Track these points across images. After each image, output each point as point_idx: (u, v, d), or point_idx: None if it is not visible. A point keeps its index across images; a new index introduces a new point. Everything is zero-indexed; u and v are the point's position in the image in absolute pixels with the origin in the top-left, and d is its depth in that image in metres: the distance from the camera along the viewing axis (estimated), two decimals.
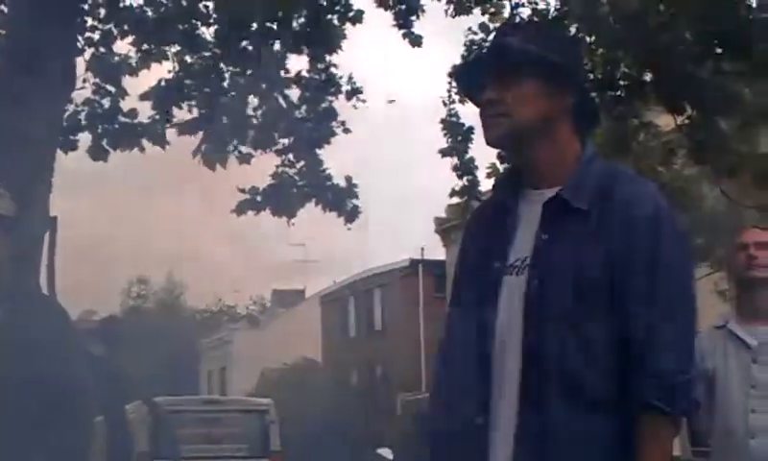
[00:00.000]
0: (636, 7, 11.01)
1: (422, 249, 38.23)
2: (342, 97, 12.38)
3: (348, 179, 12.48)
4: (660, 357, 2.52)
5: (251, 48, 11.81)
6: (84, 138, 11.39)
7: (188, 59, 11.90)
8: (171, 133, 11.78)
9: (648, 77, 11.72)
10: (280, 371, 37.68)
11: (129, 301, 56.15)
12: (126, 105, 11.57)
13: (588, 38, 11.97)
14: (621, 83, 12.19)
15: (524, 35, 2.81)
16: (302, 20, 11.81)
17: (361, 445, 28.82)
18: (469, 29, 12.61)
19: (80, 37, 10.70)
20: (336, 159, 13.19)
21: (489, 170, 13.60)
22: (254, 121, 12.08)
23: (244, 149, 12.15)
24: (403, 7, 12.12)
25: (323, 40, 11.94)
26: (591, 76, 12.21)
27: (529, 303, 2.61)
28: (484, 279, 2.70)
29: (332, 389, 35.13)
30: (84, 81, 11.09)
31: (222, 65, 11.98)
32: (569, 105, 2.72)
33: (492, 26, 12.56)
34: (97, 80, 11.38)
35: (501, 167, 14.14)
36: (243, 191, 12.28)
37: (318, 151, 12.45)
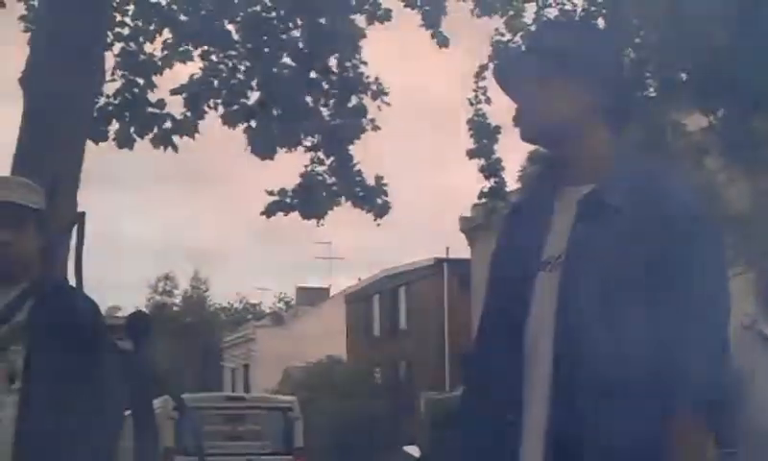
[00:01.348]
0: (664, 7, 10.96)
1: (447, 248, 38.21)
2: (368, 96, 12.40)
3: (378, 177, 12.49)
4: (693, 358, 2.50)
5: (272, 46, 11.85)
6: (113, 129, 11.44)
7: (214, 57, 11.94)
8: (201, 129, 11.84)
9: (682, 76, 11.66)
10: (304, 369, 37.74)
11: (155, 296, 56.35)
12: (153, 96, 11.62)
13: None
14: (650, 82, 12.15)
15: (559, 32, 2.82)
16: (326, 19, 11.82)
17: (385, 443, 28.82)
18: (496, 29, 12.62)
19: (109, 32, 10.76)
20: (361, 158, 13.20)
21: (520, 173, 13.60)
22: (280, 119, 12.10)
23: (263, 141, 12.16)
24: (429, 8, 12.13)
25: (348, 39, 11.96)
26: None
27: (562, 301, 2.60)
28: (518, 276, 2.69)
29: (356, 387, 35.13)
30: (113, 74, 11.16)
31: (247, 63, 12.01)
32: (603, 102, 2.71)
33: (518, 26, 12.55)
34: (126, 73, 11.44)
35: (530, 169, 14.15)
36: (271, 193, 12.29)
37: (348, 149, 12.47)
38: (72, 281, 5.32)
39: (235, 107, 11.92)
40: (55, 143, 8.15)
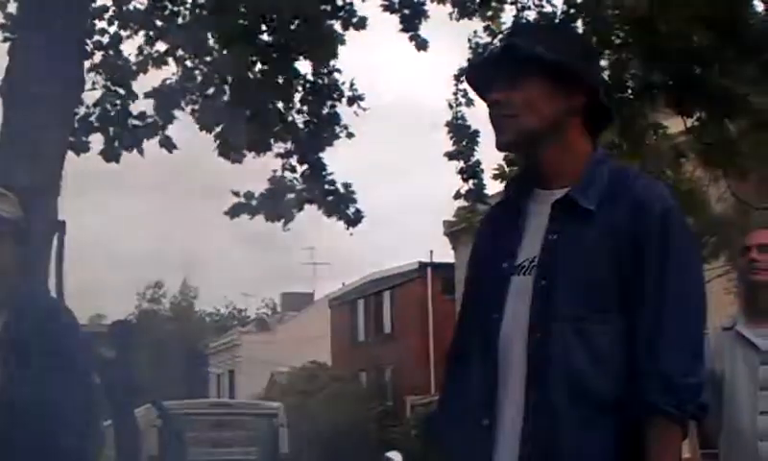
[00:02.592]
0: (643, 9, 11.00)
1: (431, 252, 38.22)
2: (344, 102, 12.41)
3: (347, 185, 12.50)
4: (668, 358, 2.50)
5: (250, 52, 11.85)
6: (96, 140, 11.46)
7: (188, 63, 11.95)
8: (179, 136, 11.86)
9: (656, 78, 11.69)
10: (289, 374, 37.69)
11: (144, 303, 56.33)
12: (135, 107, 11.65)
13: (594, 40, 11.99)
14: (629, 85, 12.18)
15: (533, 35, 2.81)
16: (301, 25, 11.82)
17: (370, 448, 28.80)
18: (475, 32, 12.64)
19: (88, 40, 10.75)
20: (345, 163, 13.21)
21: (496, 172, 13.59)
22: (252, 124, 12.12)
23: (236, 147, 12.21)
24: (408, 11, 12.14)
25: (323, 45, 11.98)
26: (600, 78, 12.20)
27: (535, 304, 2.60)
28: (492, 280, 2.69)
29: (341, 392, 35.10)
30: (94, 83, 11.17)
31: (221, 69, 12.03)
32: (579, 105, 2.71)
33: (497, 29, 12.58)
34: (107, 83, 11.44)
35: (508, 169, 14.16)
36: (237, 194, 12.36)
37: (322, 155, 12.50)
38: (53, 290, 5.30)
39: (206, 112, 11.94)
40: (33, 152, 8.12)
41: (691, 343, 2.56)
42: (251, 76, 11.99)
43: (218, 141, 11.98)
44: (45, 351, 3.46)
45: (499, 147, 2.77)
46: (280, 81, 12.15)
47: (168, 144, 11.77)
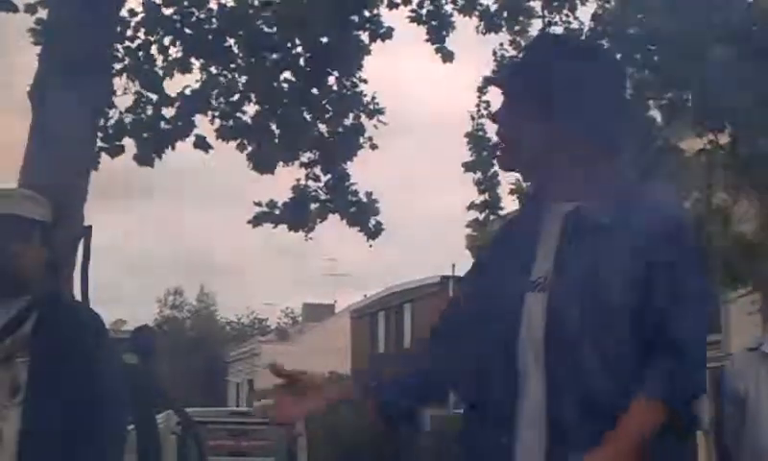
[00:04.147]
0: (669, 28, 10.97)
1: (453, 265, 38.15)
2: (367, 113, 12.45)
3: (369, 194, 12.52)
4: (667, 352, 2.49)
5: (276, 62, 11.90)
6: (128, 144, 11.50)
7: (213, 70, 12.01)
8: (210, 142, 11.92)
9: (683, 98, 11.67)
10: None
11: (165, 310, 56.50)
12: (168, 112, 11.70)
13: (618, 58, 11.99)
14: (651, 103, 12.17)
15: (537, 56, 2.80)
16: (330, 35, 11.86)
17: (389, 459, 28.74)
18: (501, 45, 12.65)
19: (119, 45, 10.81)
20: (368, 175, 13.23)
21: (512, 186, 13.59)
22: (279, 135, 12.19)
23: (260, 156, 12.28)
24: (435, 23, 12.18)
25: (350, 56, 12.01)
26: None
27: (550, 322, 2.57)
28: (507, 297, 2.66)
29: (360, 403, 35.07)
30: (125, 89, 11.24)
31: (246, 78, 12.08)
32: (584, 128, 2.67)
33: (523, 42, 12.58)
34: (139, 89, 11.51)
35: (525, 185, 14.15)
36: (259, 204, 12.40)
37: (345, 166, 12.53)
38: (78, 295, 5.33)
39: (230, 122, 12.02)
40: (62, 156, 8.17)
41: (698, 344, 2.56)
42: (276, 85, 12.03)
43: (250, 157, 12.03)
44: (73, 353, 3.48)
45: (499, 167, 2.82)
46: (307, 91, 12.18)
47: (203, 145, 11.81)
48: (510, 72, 2.77)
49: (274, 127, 12.06)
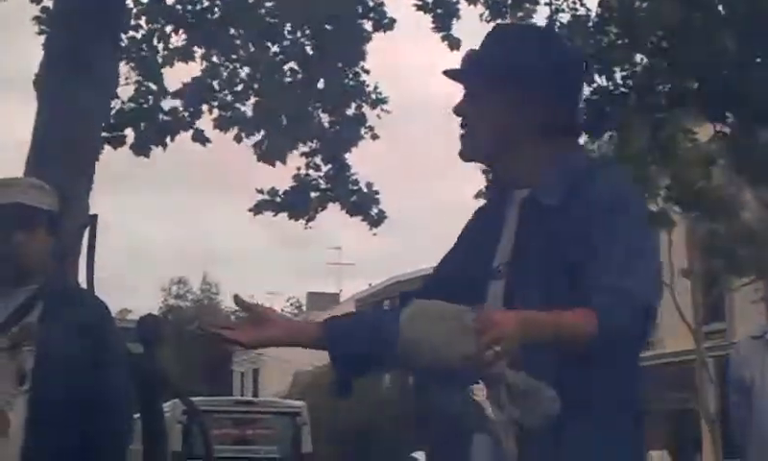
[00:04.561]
0: (677, 14, 10.96)
1: None
2: (369, 103, 12.45)
3: (369, 185, 12.54)
4: (606, 292, 2.43)
5: (279, 52, 11.91)
6: (130, 134, 11.52)
7: (215, 59, 12.02)
8: (208, 132, 11.95)
9: (690, 85, 11.66)
10: (313, 373, 37.73)
11: (170, 299, 56.48)
12: (167, 103, 11.72)
13: (626, 44, 11.98)
14: (661, 90, 12.15)
15: (493, 48, 2.80)
16: (332, 24, 11.86)
17: (394, 448, 28.79)
18: None
19: (123, 35, 10.82)
20: (375, 164, 13.23)
21: None
22: (282, 123, 12.22)
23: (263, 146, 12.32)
24: (441, 11, 12.17)
25: (353, 46, 12.02)
26: (631, 82, 12.18)
27: (507, 308, 2.55)
28: (472, 285, 2.67)
29: (365, 392, 35.12)
30: (127, 78, 11.25)
31: (247, 69, 12.10)
32: (541, 116, 2.68)
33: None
34: (139, 78, 11.52)
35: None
36: (261, 192, 12.42)
37: (348, 154, 12.56)
38: (83, 284, 5.34)
39: (229, 113, 12.05)
40: (68, 145, 8.17)
41: (640, 292, 2.49)
42: (277, 75, 12.04)
43: (257, 146, 12.06)
44: (79, 341, 3.49)
45: (460, 158, 2.80)
46: (308, 80, 12.19)
47: (201, 138, 11.84)
48: (469, 64, 2.77)
49: (279, 116, 12.07)
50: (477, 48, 2.81)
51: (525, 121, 2.69)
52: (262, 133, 12.22)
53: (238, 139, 12.15)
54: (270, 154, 12.15)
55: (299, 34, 12.00)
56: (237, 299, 2.84)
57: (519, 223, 2.66)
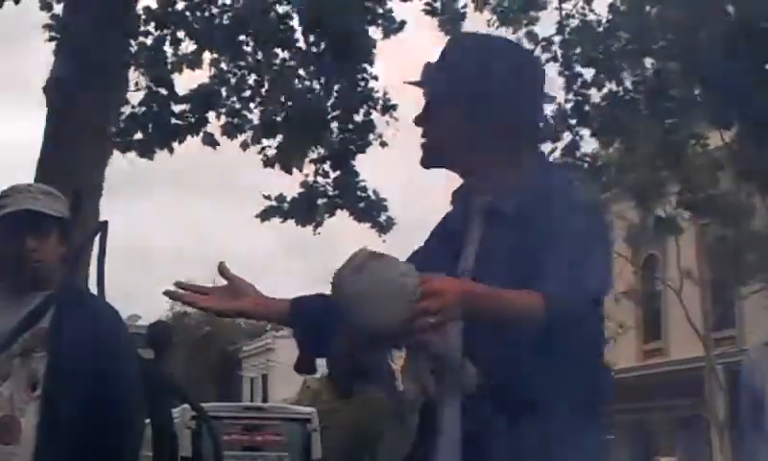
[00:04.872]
0: (686, 19, 10.96)
1: None
2: (378, 110, 12.46)
3: (377, 192, 12.55)
4: (555, 281, 2.45)
5: (288, 59, 11.93)
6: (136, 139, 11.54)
7: (224, 66, 12.04)
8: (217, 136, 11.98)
9: (700, 90, 11.65)
10: (323, 380, 37.74)
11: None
12: (177, 108, 11.73)
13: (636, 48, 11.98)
14: (671, 95, 12.14)
15: (452, 57, 2.81)
16: (339, 34, 11.87)
17: (403, 455, 28.75)
18: (518, 39, 12.65)
19: (132, 41, 10.85)
20: (380, 170, 13.23)
21: None
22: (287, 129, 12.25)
23: (270, 153, 12.36)
24: (448, 16, 12.20)
25: (361, 52, 12.03)
26: (641, 88, 12.18)
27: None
28: None
29: (374, 398, 35.10)
30: (137, 84, 11.27)
31: (257, 74, 12.13)
32: (500, 123, 2.70)
33: (540, 36, 12.61)
34: (150, 84, 11.53)
35: None
36: (268, 198, 12.44)
37: (356, 162, 12.58)
38: (93, 290, 5.35)
39: (236, 120, 12.07)
40: (78, 152, 8.20)
41: (590, 281, 2.51)
42: (285, 81, 12.07)
43: (278, 151, 12.10)
44: (91, 347, 3.50)
45: (422, 166, 2.82)
46: (316, 87, 12.21)
47: (211, 141, 11.86)
48: (429, 73, 2.79)
49: (291, 123, 12.11)
50: (439, 56, 2.84)
51: (484, 129, 2.70)
52: (270, 139, 12.25)
53: (244, 146, 12.18)
54: (278, 160, 12.18)
55: (309, 40, 12.00)
56: (221, 266, 2.89)
57: (481, 230, 2.67)
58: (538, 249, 2.50)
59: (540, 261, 2.48)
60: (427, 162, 2.81)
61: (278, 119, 12.14)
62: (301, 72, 12.19)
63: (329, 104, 12.33)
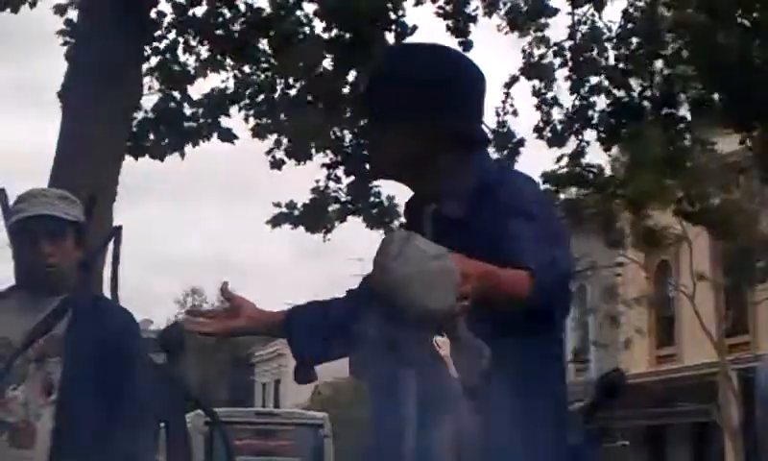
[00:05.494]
0: (701, 23, 10.93)
1: None
2: None
3: (391, 198, 12.55)
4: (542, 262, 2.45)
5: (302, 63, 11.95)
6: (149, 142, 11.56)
7: (246, 69, 12.06)
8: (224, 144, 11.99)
9: (713, 92, 11.62)
10: (334, 384, 37.70)
11: (185, 311, 56.42)
12: (189, 110, 11.74)
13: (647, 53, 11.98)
14: (681, 100, 12.13)
15: (392, 68, 2.83)
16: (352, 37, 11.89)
17: None
18: (529, 44, 12.69)
19: (146, 46, 10.87)
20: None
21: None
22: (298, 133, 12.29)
23: (278, 155, 12.40)
24: (460, 19, 12.22)
25: (373, 58, 12.04)
26: (648, 93, 12.17)
27: None
28: None
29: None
30: (150, 87, 11.28)
31: (275, 77, 12.15)
32: (443, 130, 2.70)
33: (552, 41, 12.63)
34: (162, 87, 11.55)
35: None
36: (278, 205, 12.47)
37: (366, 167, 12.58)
38: (107, 295, 5.36)
39: (265, 120, 12.09)
40: (92, 156, 8.22)
41: (558, 264, 2.52)
42: (298, 86, 12.09)
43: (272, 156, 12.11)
44: (106, 352, 3.51)
45: (370, 175, 2.83)
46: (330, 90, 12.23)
47: (228, 136, 11.82)
48: (371, 86, 2.80)
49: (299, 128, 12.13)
50: (377, 70, 2.85)
51: (428, 137, 2.71)
52: (282, 143, 12.28)
53: (278, 143, 12.21)
54: (291, 161, 12.23)
55: (321, 44, 12.01)
56: (223, 287, 2.95)
57: (432, 236, 2.58)
58: (499, 241, 2.49)
59: (507, 250, 2.46)
60: (374, 172, 2.82)
61: (289, 124, 12.16)
62: (315, 76, 12.19)
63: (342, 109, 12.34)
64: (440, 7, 12.21)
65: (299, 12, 11.78)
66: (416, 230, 2.64)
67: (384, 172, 2.87)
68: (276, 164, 12.44)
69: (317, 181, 12.64)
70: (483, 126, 2.87)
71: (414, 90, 2.71)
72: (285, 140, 12.34)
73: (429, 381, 2.35)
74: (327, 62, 12.04)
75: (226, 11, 11.61)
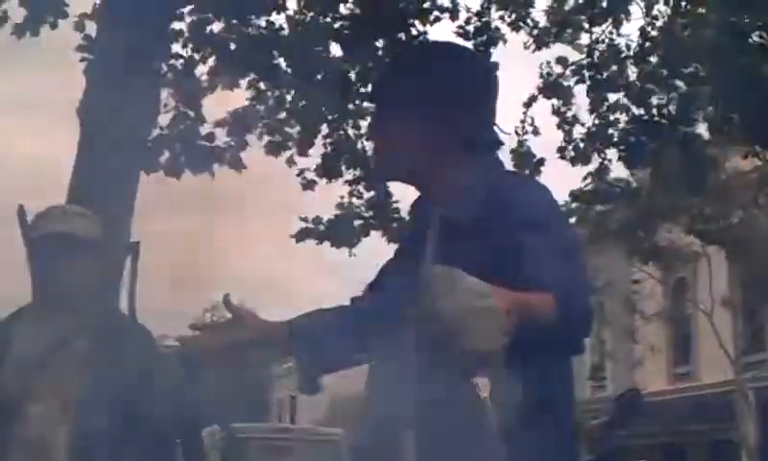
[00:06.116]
0: (719, 41, 10.90)
1: None
2: None
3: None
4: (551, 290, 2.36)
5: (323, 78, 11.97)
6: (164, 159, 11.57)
7: (262, 85, 12.10)
8: (248, 156, 12.01)
9: (732, 114, 11.59)
10: (350, 399, 37.65)
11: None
12: (204, 128, 11.76)
13: (666, 73, 11.97)
14: (699, 119, 12.11)
15: (402, 68, 2.81)
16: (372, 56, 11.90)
17: None
18: (548, 63, 12.70)
19: (163, 64, 10.90)
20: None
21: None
22: (324, 150, 12.33)
23: (309, 175, 12.43)
24: (485, 38, 12.21)
25: None
26: (667, 111, 12.16)
27: None
28: (399, 304, 2.56)
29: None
30: (166, 105, 11.29)
31: (294, 94, 12.19)
32: (453, 132, 2.67)
33: (570, 59, 12.62)
34: (178, 104, 11.58)
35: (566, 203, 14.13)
36: (305, 220, 12.50)
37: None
38: (125, 311, 5.38)
39: (278, 137, 12.14)
40: (110, 173, 8.25)
41: (579, 291, 2.43)
42: (320, 102, 12.11)
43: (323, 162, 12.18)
44: (125, 368, 3.52)
45: (374, 177, 2.80)
46: (351, 107, 12.24)
47: (237, 164, 11.87)
48: (381, 83, 2.78)
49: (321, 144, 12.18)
50: (386, 70, 2.81)
51: (438, 138, 2.67)
52: (304, 159, 12.34)
53: (289, 163, 12.26)
54: (311, 178, 12.27)
55: (342, 61, 12.03)
56: (225, 300, 2.86)
57: (438, 240, 2.62)
58: (515, 255, 2.41)
59: (526, 266, 2.39)
60: (380, 175, 2.76)
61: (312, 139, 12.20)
62: (335, 93, 12.21)
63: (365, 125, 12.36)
64: (459, 27, 12.19)
65: (315, 32, 11.78)
66: (421, 232, 2.68)
67: (391, 173, 2.83)
68: (309, 186, 12.48)
69: (341, 197, 12.69)
70: (495, 128, 2.81)
71: (424, 86, 2.68)
72: (318, 159, 12.39)
73: (468, 422, 2.28)
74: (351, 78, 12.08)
75: (243, 28, 11.62)
